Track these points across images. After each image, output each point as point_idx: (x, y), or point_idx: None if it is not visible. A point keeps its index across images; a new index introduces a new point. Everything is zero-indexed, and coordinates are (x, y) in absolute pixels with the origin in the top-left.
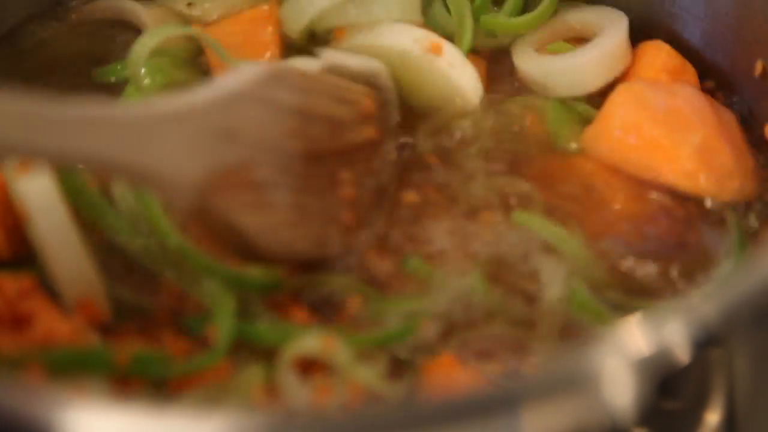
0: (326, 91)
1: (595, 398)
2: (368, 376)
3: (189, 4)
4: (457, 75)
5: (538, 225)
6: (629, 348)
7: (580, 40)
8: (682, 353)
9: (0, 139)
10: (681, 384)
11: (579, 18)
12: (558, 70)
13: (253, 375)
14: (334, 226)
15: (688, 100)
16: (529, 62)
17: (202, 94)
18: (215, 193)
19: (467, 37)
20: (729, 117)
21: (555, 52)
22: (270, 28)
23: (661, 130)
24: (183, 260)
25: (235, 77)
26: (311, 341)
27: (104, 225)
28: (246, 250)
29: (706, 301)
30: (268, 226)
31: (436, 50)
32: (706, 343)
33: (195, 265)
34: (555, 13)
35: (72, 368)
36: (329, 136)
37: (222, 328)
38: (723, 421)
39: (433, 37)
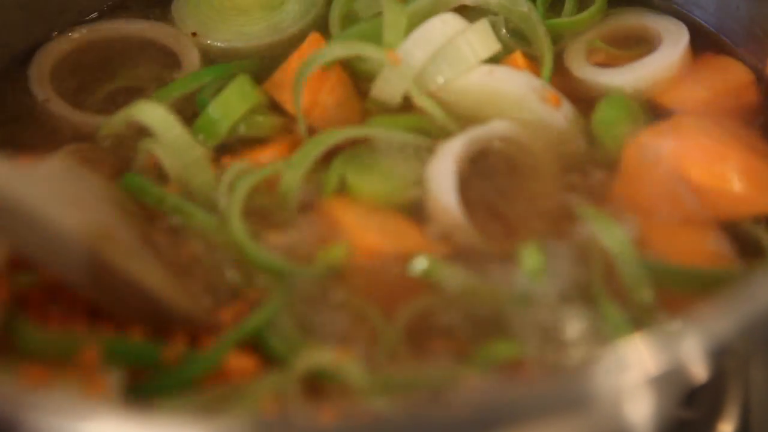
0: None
1: (611, 415)
2: (382, 401)
3: (194, 34)
4: (571, 129)
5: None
6: (645, 365)
7: (633, 39)
8: (699, 370)
9: None
10: (696, 394)
11: (637, 22)
12: (610, 81)
13: (267, 383)
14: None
15: (700, 131)
16: (579, 69)
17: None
18: (99, 247)
19: (548, 67)
20: (741, 127)
21: (595, 49)
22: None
23: (699, 170)
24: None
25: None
26: (324, 356)
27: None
28: (146, 310)
29: (723, 316)
30: (152, 279)
31: (555, 102)
32: (723, 357)
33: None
34: (611, 14)
35: (124, 358)
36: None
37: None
38: (737, 431)
39: (550, 88)
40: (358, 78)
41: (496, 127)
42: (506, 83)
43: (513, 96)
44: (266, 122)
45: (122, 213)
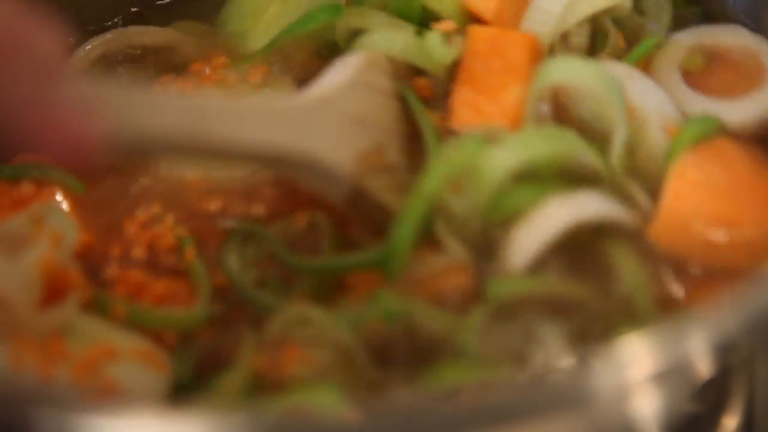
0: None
1: (619, 411)
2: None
3: None
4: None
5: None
6: (652, 361)
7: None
8: (705, 366)
9: (181, 135)
10: (701, 388)
11: (735, 43)
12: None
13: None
14: None
15: (744, 161)
16: (670, 86)
17: (326, 85)
18: (363, 176)
19: (641, 51)
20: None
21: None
22: None
23: (738, 207)
24: None
25: (342, 68)
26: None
27: None
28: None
29: (729, 312)
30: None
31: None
32: (728, 353)
33: None
34: (705, 30)
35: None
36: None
37: None
38: (741, 425)
39: (677, 118)
40: None
41: (612, 211)
42: (639, 94)
43: (638, 110)
44: None
45: (396, 118)
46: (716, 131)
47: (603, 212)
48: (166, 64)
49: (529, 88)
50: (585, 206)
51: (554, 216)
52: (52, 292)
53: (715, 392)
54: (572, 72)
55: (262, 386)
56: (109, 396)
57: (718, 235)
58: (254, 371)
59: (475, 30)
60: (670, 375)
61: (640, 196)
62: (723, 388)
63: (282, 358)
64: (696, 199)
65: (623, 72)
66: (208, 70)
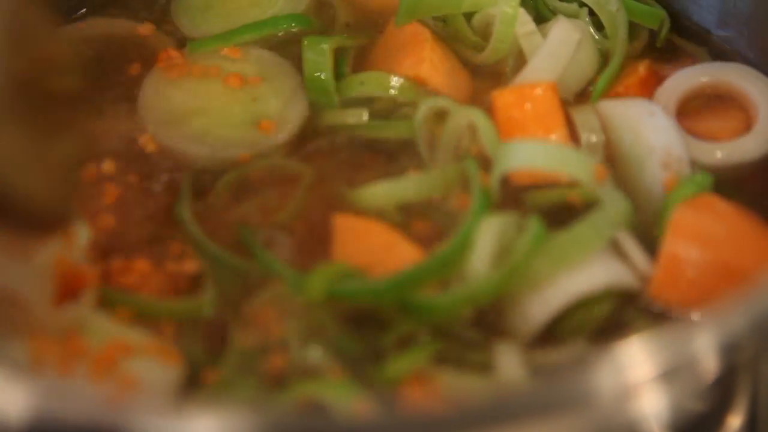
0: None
1: (624, 409)
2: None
3: None
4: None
5: None
6: (656, 362)
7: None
8: (711, 365)
9: None
10: (706, 387)
11: (735, 85)
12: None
13: None
14: (60, 185)
15: (734, 214)
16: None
17: None
18: None
19: (614, 67)
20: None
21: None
22: None
23: (738, 257)
24: None
25: None
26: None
27: None
28: None
29: (735, 313)
30: None
31: (671, 182)
32: (734, 353)
33: None
34: (709, 69)
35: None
36: (37, 71)
37: None
38: (745, 424)
39: (681, 156)
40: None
41: (619, 279)
42: (651, 131)
43: (645, 145)
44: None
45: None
46: (707, 188)
47: (611, 282)
48: (131, 54)
49: (491, 175)
50: (594, 278)
51: (564, 289)
52: (67, 290)
53: (720, 391)
54: (530, 156)
55: (262, 353)
56: (127, 391)
57: (722, 285)
58: (245, 348)
59: (498, 93)
60: (676, 375)
61: (638, 257)
62: (727, 388)
63: (263, 323)
64: (696, 252)
65: (646, 109)
66: (177, 57)
